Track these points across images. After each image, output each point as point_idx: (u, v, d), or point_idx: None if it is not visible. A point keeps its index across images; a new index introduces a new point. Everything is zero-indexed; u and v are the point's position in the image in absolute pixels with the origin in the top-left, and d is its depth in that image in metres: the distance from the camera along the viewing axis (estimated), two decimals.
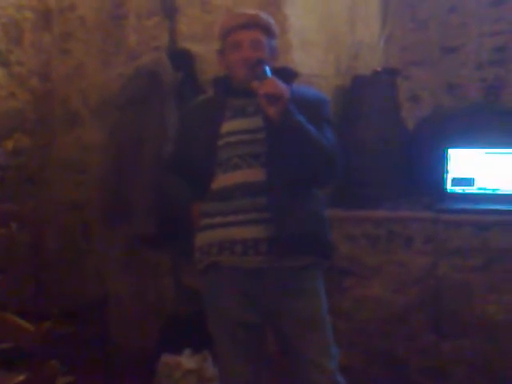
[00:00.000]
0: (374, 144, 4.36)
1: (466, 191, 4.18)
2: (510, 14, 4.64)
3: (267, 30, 2.87)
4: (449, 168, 4.22)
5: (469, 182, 4.18)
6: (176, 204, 3.05)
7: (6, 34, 4.57)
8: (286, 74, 2.89)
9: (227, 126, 2.82)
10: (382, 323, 4.00)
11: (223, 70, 2.95)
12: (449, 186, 4.21)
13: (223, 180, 2.78)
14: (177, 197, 3.05)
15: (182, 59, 4.37)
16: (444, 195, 4.20)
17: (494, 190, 4.13)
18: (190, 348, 3.91)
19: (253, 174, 2.74)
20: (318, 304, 2.80)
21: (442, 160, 4.23)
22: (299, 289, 2.76)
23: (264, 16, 2.90)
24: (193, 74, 4.38)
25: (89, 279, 4.65)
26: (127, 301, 4.54)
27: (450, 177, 4.22)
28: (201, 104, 3.08)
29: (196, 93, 4.24)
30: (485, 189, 4.15)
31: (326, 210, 2.89)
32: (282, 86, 2.66)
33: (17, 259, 4.01)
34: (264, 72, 2.69)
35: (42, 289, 4.49)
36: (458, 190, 4.19)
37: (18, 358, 3.27)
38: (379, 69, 4.55)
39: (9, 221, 4.22)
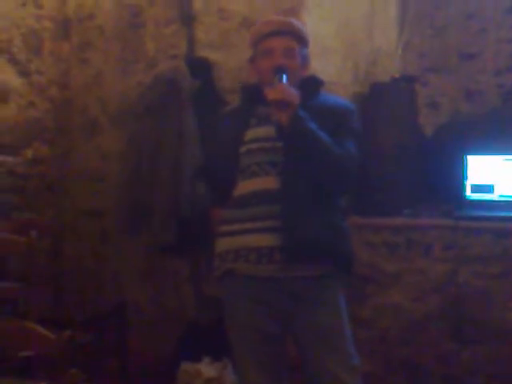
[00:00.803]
0: (393, 151, 4.34)
1: (486, 198, 4.16)
2: None
3: (300, 38, 2.86)
4: (468, 175, 4.20)
5: (488, 188, 4.16)
6: (200, 209, 3.06)
7: (26, 43, 4.60)
8: (314, 83, 2.89)
9: (251, 134, 2.82)
10: (402, 331, 3.99)
11: (252, 79, 2.95)
12: (468, 193, 4.19)
13: (242, 187, 2.79)
14: (201, 202, 3.06)
15: (200, 67, 4.38)
16: (463, 202, 4.18)
17: None
18: (210, 356, 3.91)
19: (269, 182, 2.74)
20: (335, 316, 2.76)
21: (461, 167, 4.21)
22: (314, 300, 2.74)
23: (297, 23, 2.89)
24: (211, 82, 4.38)
25: (108, 287, 4.66)
26: (146, 308, 4.54)
27: (469, 183, 4.20)
28: (229, 112, 3.09)
29: (214, 100, 4.25)
30: (505, 196, 4.13)
31: (344, 220, 2.87)
32: (291, 92, 2.65)
33: (36, 267, 4.01)
34: (279, 79, 2.69)
35: (61, 297, 4.51)
36: (478, 196, 4.18)
37: (38, 366, 3.28)
38: (397, 75, 4.54)
39: (29, 229, 4.23)
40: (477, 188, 4.19)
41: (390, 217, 4.14)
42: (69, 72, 4.86)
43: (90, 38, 4.82)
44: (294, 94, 2.65)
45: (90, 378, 3.71)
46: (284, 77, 2.68)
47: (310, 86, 2.84)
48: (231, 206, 2.81)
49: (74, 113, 4.84)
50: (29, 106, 4.62)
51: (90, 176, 4.76)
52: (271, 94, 2.64)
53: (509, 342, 3.78)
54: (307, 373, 2.78)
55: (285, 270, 2.68)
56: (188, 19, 4.47)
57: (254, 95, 2.90)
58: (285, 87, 2.65)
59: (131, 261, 4.56)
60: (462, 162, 4.21)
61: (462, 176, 4.21)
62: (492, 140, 4.27)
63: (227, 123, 2.97)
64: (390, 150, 4.34)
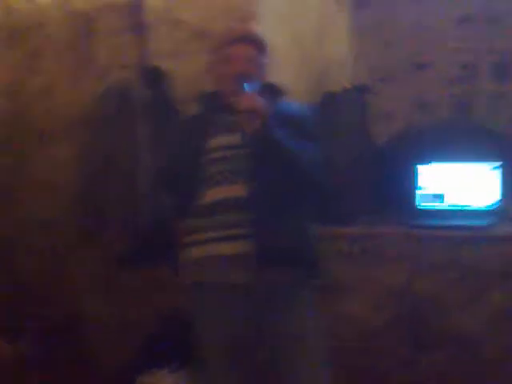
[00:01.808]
0: (345, 161, 4.37)
1: (437, 207, 4.21)
2: (476, 30, 4.69)
3: (260, 46, 2.88)
4: (419, 184, 4.25)
5: (439, 198, 4.21)
6: (160, 219, 3.04)
7: None
8: (273, 91, 2.89)
9: (212, 142, 2.81)
10: (360, 340, 4.01)
11: (209, 87, 2.94)
12: (420, 202, 4.24)
13: (207, 196, 2.78)
14: (160, 212, 3.04)
15: (153, 77, 4.35)
16: (416, 211, 4.23)
17: (464, 205, 4.16)
18: (168, 367, 3.88)
19: (234, 190, 2.74)
20: (303, 320, 2.80)
21: (412, 176, 4.26)
22: (284, 305, 2.75)
23: (259, 33, 2.92)
24: (164, 92, 4.36)
25: (63, 299, 4.59)
26: (103, 320, 4.49)
27: (420, 193, 4.25)
28: (187, 121, 3.07)
29: (167, 110, 4.23)
30: (455, 205, 4.18)
31: (311, 226, 2.88)
32: (259, 102, 2.65)
33: None
34: (243, 87, 2.68)
35: (15, 308, 4.43)
36: (429, 206, 4.23)
37: None
38: (349, 86, 4.57)
39: None
40: (428, 197, 4.24)
41: (345, 226, 4.16)
42: (18, 82, 4.78)
43: (40, 47, 4.75)
44: (261, 103, 2.65)
45: None
46: (250, 85, 2.68)
47: (270, 93, 2.85)
48: (196, 215, 2.80)
49: (25, 122, 4.77)
50: None
51: (42, 187, 4.68)
52: (241, 103, 2.63)
53: (465, 346, 3.83)
54: (278, 380, 2.78)
55: (255, 277, 2.68)
56: (140, 28, 4.44)
57: (212, 103, 2.90)
58: (254, 96, 2.65)
59: (87, 272, 4.50)
60: (413, 172, 4.26)
61: (413, 185, 4.26)
62: (443, 149, 4.32)
63: (186, 132, 2.94)
64: (342, 159, 4.36)
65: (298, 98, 4.33)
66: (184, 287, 2.86)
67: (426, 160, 4.28)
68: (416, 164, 4.27)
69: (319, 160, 2.82)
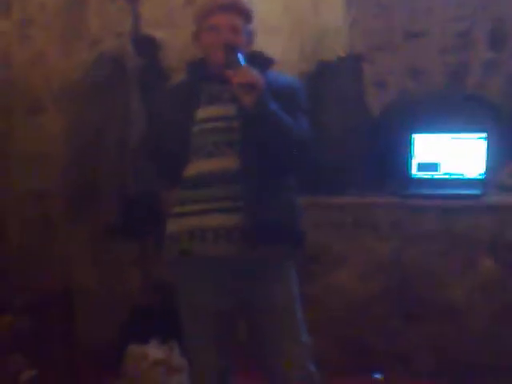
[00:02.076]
0: (340, 130, 4.35)
1: (432, 176, 4.20)
2: None
3: (245, 15, 2.82)
4: (414, 153, 4.23)
5: (434, 167, 4.20)
6: (148, 190, 3.01)
7: None
8: (261, 61, 2.86)
9: (202, 112, 2.77)
10: (349, 310, 4.02)
11: (197, 53, 2.90)
12: (414, 172, 4.23)
13: (197, 167, 2.74)
14: (149, 183, 3.01)
15: (146, 45, 4.33)
16: (409, 181, 4.22)
17: (458, 174, 4.15)
18: (157, 338, 3.89)
19: (227, 162, 2.70)
20: (289, 293, 2.79)
21: (407, 145, 4.24)
22: (271, 277, 2.75)
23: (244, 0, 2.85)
24: (156, 61, 4.33)
25: (53, 271, 4.58)
26: (92, 292, 4.49)
27: (415, 162, 4.23)
28: (175, 89, 3.01)
29: (159, 79, 4.20)
30: (450, 174, 4.17)
31: (297, 198, 2.87)
32: (256, 75, 2.61)
33: None
34: (237, 60, 2.64)
35: (3, 281, 4.42)
36: (424, 175, 4.21)
37: None
38: (343, 54, 4.54)
39: None
40: (423, 167, 4.22)
41: (337, 196, 4.15)
42: (10, 49, 4.74)
43: (31, 15, 4.70)
44: (258, 77, 2.61)
45: (34, 364, 3.68)
46: (240, 57, 2.64)
47: (258, 63, 2.81)
48: (184, 186, 2.77)
49: (16, 91, 4.73)
50: None
51: (33, 157, 4.66)
52: (237, 77, 2.59)
53: (453, 319, 3.84)
54: (261, 352, 2.79)
55: (242, 250, 2.67)
56: None
57: (200, 72, 2.86)
58: (248, 69, 2.61)
59: (77, 243, 4.49)
60: (409, 141, 4.24)
61: (409, 154, 4.24)
62: (438, 119, 4.30)
63: (175, 101, 2.90)
64: (337, 128, 4.35)
65: (290, 67, 4.33)
66: (170, 258, 2.85)
67: (420, 129, 4.25)
68: (411, 133, 4.24)
69: (309, 133, 2.79)
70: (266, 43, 4.07)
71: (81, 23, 4.55)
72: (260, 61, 2.85)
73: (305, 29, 4.60)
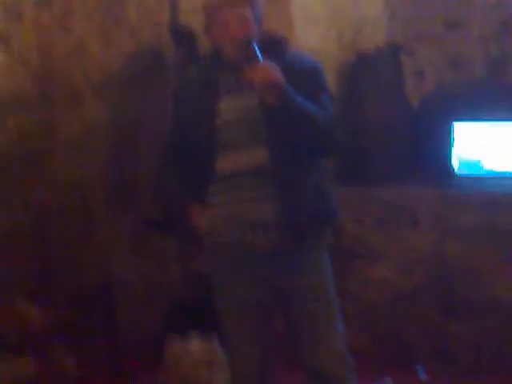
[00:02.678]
0: (378, 121, 4.33)
1: (474, 171, 4.16)
2: None
3: (251, 3, 2.76)
4: (455, 144, 4.18)
5: (476, 161, 4.16)
6: (175, 204, 2.99)
7: (6, 11, 4.48)
8: (278, 44, 2.82)
9: (225, 104, 2.74)
10: (389, 305, 4.01)
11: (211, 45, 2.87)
12: (455, 164, 4.18)
13: (226, 160, 2.73)
14: (176, 197, 3.00)
15: (184, 35, 4.32)
16: (451, 173, 4.18)
17: (501, 171, 4.10)
18: (197, 332, 3.90)
19: (255, 154, 2.69)
20: (325, 282, 2.80)
21: (448, 135, 4.20)
22: (307, 267, 2.75)
23: None
24: (195, 50, 4.32)
25: (94, 263, 4.61)
26: (133, 285, 4.51)
27: (456, 155, 4.19)
28: (193, 80, 2.94)
29: None
30: (492, 169, 4.13)
31: (327, 180, 2.86)
32: (275, 72, 2.57)
33: (20, 243, 3.95)
34: (254, 54, 2.61)
35: (47, 274, 4.45)
36: (465, 168, 4.17)
37: (25, 344, 3.26)
38: (382, 44, 4.50)
39: (12, 202, 4.17)
40: (464, 159, 4.18)
41: (377, 189, 4.13)
42: (50, 40, 4.75)
43: (71, 6, 4.71)
44: (278, 73, 2.57)
45: (78, 357, 3.72)
46: (258, 51, 2.60)
47: (276, 46, 2.78)
48: (215, 179, 2.76)
49: (56, 82, 4.74)
50: (9, 75, 4.53)
51: (75, 147, 4.68)
52: (257, 76, 2.55)
53: (496, 314, 3.82)
54: (297, 342, 2.80)
55: (278, 241, 2.67)
56: None
57: (217, 63, 2.83)
58: (267, 67, 2.57)
59: (117, 236, 4.51)
60: (449, 130, 4.19)
61: (449, 145, 4.20)
62: (478, 109, 4.25)
63: (195, 91, 2.85)
64: (376, 119, 4.32)
65: (329, 57, 4.31)
66: (206, 250, 2.86)
67: (461, 119, 4.21)
68: (452, 121, 4.19)
69: (332, 113, 2.76)
70: (304, 33, 4.09)
71: (120, 14, 4.55)
72: (277, 43, 2.82)
73: (343, 18, 4.57)
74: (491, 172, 4.13)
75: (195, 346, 3.83)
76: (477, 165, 4.15)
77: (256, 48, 2.61)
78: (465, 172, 4.17)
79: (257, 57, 2.59)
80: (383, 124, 4.32)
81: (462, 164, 4.17)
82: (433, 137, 4.33)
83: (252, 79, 2.57)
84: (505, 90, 4.42)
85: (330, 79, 3.26)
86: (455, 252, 3.88)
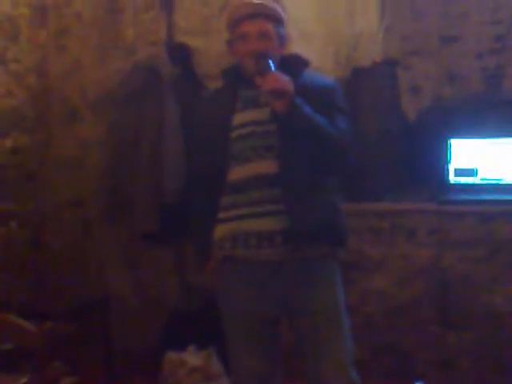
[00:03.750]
0: (375, 136, 4.33)
1: (469, 182, 4.15)
2: (509, 2, 4.60)
3: (274, 18, 2.79)
4: (451, 159, 4.19)
5: (471, 172, 4.15)
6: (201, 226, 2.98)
7: (2, 30, 4.52)
8: (297, 63, 2.85)
9: (239, 118, 2.77)
10: (387, 316, 3.99)
11: (232, 60, 2.90)
12: (451, 177, 4.19)
13: (236, 173, 2.74)
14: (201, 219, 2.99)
15: (180, 53, 4.34)
16: (447, 186, 4.18)
17: (497, 180, 4.10)
18: (195, 344, 3.88)
19: (266, 166, 2.70)
20: (334, 296, 2.77)
21: (444, 151, 4.20)
22: (314, 280, 2.73)
23: (270, 4, 2.82)
24: (191, 69, 4.34)
25: (90, 277, 4.61)
26: (130, 298, 4.51)
27: (452, 167, 4.19)
28: (211, 96, 3.03)
29: (195, 87, 4.21)
30: (488, 179, 4.12)
31: (340, 199, 2.86)
32: (284, 81, 2.60)
33: (17, 258, 3.96)
34: (266, 66, 2.64)
35: (43, 288, 4.45)
36: (461, 180, 4.17)
37: (20, 359, 3.24)
38: (379, 60, 4.51)
39: (8, 220, 4.18)
40: (460, 172, 4.18)
41: (374, 202, 4.13)
42: (46, 59, 4.78)
43: (67, 25, 4.74)
44: (287, 82, 2.59)
45: (74, 370, 3.70)
46: (270, 63, 2.64)
47: (294, 65, 2.80)
48: (225, 192, 2.77)
49: (53, 101, 4.77)
50: (6, 94, 4.55)
51: (71, 164, 4.69)
52: (266, 83, 2.58)
53: (494, 326, 3.80)
54: (304, 356, 2.76)
55: (286, 253, 2.67)
56: (167, 5, 4.42)
57: (236, 77, 2.86)
58: (277, 76, 2.60)
59: (114, 250, 4.52)
60: (445, 146, 4.20)
61: (445, 160, 4.20)
62: (475, 124, 4.26)
63: (211, 108, 2.91)
64: (372, 134, 4.32)
65: (325, 73, 4.31)
66: (214, 263, 2.85)
67: (457, 135, 4.21)
68: (448, 138, 4.20)
69: (348, 133, 2.77)
70: (300, 50, 4.08)
71: (116, 33, 4.59)
72: (296, 62, 2.85)
73: (339, 35, 4.59)
74: (486, 180, 4.12)
75: (192, 359, 3.82)
76: (472, 173, 4.15)
77: (270, 61, 2.64)
78: (460, 180, 4.16)
79: (269, 69, 2.61)
80: (380, 138, 4.32)
81: (457, 172, 4.17)
82: (429, 151, 4.33)
83: (261, 86, 2.59)
84: (501, 103, 4.42)
85: None
86: (452, 263, 3.87)
